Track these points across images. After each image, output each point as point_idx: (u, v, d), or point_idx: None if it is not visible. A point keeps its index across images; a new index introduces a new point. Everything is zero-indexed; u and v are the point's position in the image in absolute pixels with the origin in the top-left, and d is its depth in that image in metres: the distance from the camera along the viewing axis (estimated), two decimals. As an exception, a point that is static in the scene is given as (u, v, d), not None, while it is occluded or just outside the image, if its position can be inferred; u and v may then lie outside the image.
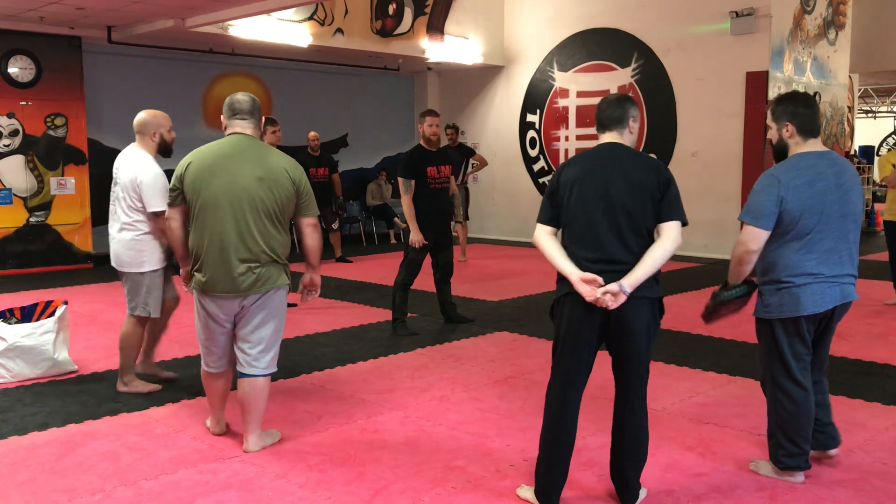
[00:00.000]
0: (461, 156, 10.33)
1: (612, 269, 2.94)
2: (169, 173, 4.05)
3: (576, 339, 3.03)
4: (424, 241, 6.12)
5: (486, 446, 3.84)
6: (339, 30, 11.26)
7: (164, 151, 4.65)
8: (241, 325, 3.69)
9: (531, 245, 13.03)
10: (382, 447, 3.84)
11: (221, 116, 3.79)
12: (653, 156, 3.11)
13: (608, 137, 3.15)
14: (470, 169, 10.83)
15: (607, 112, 3.15)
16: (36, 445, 3.88)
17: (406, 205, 6.13)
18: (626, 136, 3.14)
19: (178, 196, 3.69)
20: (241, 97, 3.75)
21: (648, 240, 3.00)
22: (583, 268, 2.97)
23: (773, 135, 3.38)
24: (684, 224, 3.02)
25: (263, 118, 5.51)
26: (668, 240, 2.97)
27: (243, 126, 3.72)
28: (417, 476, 3.48)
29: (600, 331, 3.03)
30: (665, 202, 2.99)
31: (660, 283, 3.06)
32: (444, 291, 6.59)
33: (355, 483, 3.41)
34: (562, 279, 3.06)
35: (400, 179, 6.16)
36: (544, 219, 3.17)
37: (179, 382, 4.95)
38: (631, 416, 3.10)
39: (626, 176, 3.00)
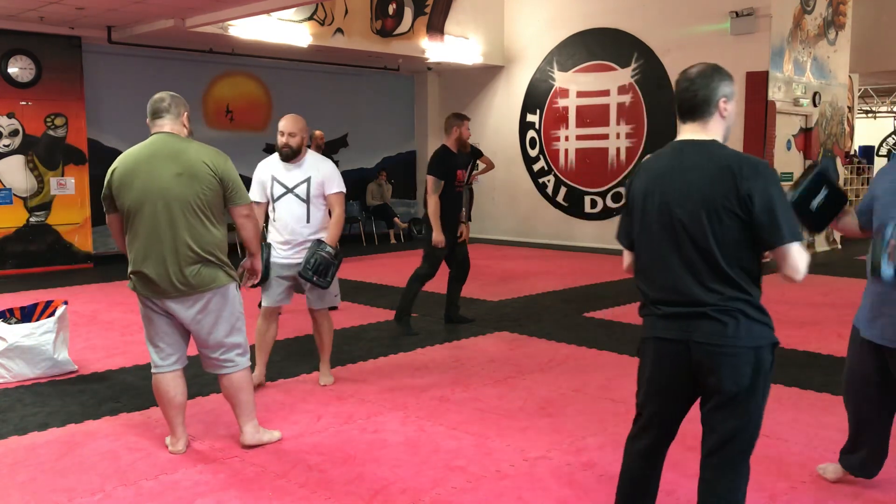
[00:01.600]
0: (470, 156, 10.34)
1: (691, 312, 2.31)
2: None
3: (661, 391, 2.50)
4: (444, 241, 6.17)
5: (486, 446, 3.84)
6: (339, 30, 11.27)
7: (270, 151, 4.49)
8: (195, 334, 3.68)
9: (531, 245, 12.90)
10: (382, 447, 3.83)
11: (147, 121, 3.69)
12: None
13: (688, 130, 2.36)
14: (476, 171, 10.82)
15: (688, 93, 2.33)
16: (36, 445, 3.88)
17: (433, 203, 6.14)
18: (712, 126, 2.34)
19: (110, 203, 3.63)
20: (160, 96, 3.67)
21: (739, 272, 2.27)
22: (656, 314, 2.40)
23: None
24: (800, 240, 2.26)
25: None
26: (794, 275, 2.26)
27: (161, 124, 3.64)
28: (417, 476, 3.48)
29: (691, 382, 2.43)
30: (758, 219, 2.21)
31: (768, 321, 2.33)
32: (455, 290, 6.65)
33: (355, 483, 3.41)
34: (644, 316, 2.50)
35: (431, 179, 6.15)
36: (625, 243, 2.54)
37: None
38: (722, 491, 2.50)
39: (690, 191, 2.27)
